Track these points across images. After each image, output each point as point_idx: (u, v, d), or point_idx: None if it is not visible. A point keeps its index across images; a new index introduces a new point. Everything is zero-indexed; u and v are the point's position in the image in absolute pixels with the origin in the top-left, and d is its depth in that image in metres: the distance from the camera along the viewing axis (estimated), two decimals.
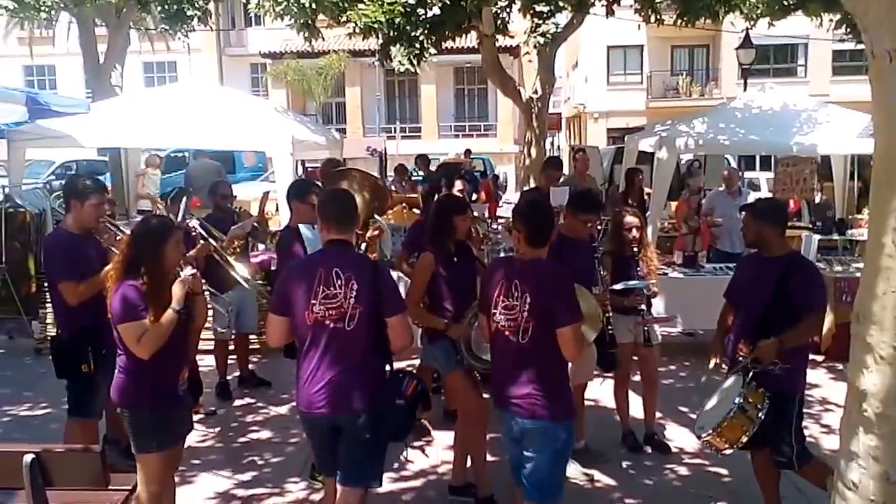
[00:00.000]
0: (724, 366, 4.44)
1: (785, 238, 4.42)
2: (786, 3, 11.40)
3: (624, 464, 5.28)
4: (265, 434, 5.93)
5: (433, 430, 5.74)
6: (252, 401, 6.64)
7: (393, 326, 3.50)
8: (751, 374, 4.06)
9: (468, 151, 23.56)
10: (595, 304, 4.19)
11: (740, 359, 4.22)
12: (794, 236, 9.03)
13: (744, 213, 4.50)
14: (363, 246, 5.06)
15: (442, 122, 33.12)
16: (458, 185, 6.07)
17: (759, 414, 3.99)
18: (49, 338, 6.27)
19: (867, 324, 2.44)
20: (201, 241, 5.79)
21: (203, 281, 4.04)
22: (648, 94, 32.02)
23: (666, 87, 32.13)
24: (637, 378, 5.65)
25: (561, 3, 10.91)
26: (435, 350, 4.65)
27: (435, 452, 5.49)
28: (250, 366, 7.16)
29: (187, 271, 3.79)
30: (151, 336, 3.59)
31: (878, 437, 2.41)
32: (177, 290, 3.69)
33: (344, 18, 10.33)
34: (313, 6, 9.84)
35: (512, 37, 13.56)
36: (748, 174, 16.88)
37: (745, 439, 4.04)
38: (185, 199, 6.40)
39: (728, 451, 4.13)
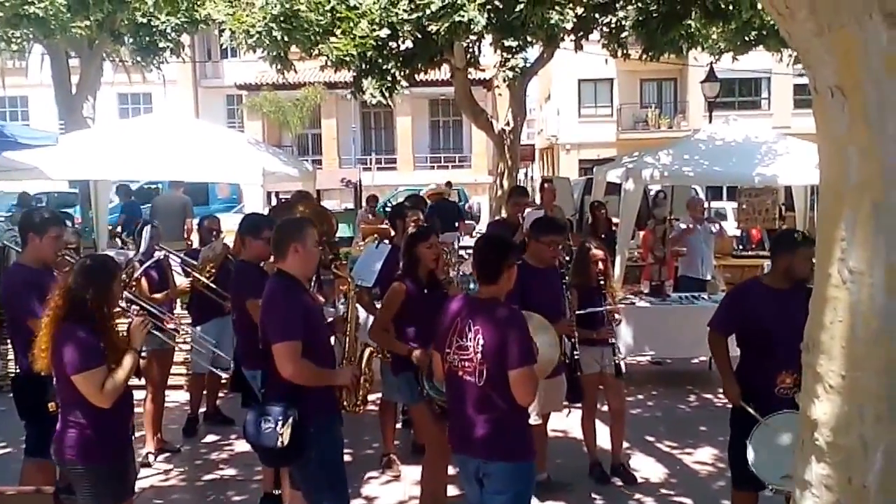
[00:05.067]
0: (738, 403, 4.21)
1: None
2: (747, 38, 11.68)
3: (592, 494, 5.29)
4: (230, 472, 5.85)
5: (401, 465, 5.71)
6: (217, 438, 6.56)
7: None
8: None
9: (449, 183, 23.72)
10: (554, 342, 4.09)
11: (784, 392, 4.04)
12: (758, 265, 9.18)
13: (803, 247, 4.15)
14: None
15: (417, 154, 33.30)
16: (413, 215, 6.08)
17: None
18: (11, 375, 6.15)
19: (816, 353, 2.49)
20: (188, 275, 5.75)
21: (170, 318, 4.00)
22: (619, 127, 32.47)
23: (635, 119, 32.59)
24: (605, 408, 5.68)
25: (530, 39, 11.06)
26: (399, 381, 4.64)
27: (403, 488, 5.46)
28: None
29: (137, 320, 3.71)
30: (115, 383, 3.45)
31: (829, 466, 2.44)
32: (136, 330, 3.63)
33: (316, 51, 10.44)
34: (286, 39, 9.93)
35: (483, 70, 13.72)
36: (715, 204, 17.13)
37: None
38: (147, 230, 6.30)
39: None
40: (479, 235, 4.60)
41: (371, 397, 5.76)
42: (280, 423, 3.54)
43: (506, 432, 3.44)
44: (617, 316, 5.48)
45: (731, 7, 9.62)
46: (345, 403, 4.06)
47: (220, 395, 7.24)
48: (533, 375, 3.43)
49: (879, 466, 2.36)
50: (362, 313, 6.28)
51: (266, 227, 4.91)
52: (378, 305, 5.30)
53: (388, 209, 14.25)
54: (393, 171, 32.04)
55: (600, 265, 5.38)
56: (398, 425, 6.18)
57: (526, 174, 34.59)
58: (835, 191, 2.48)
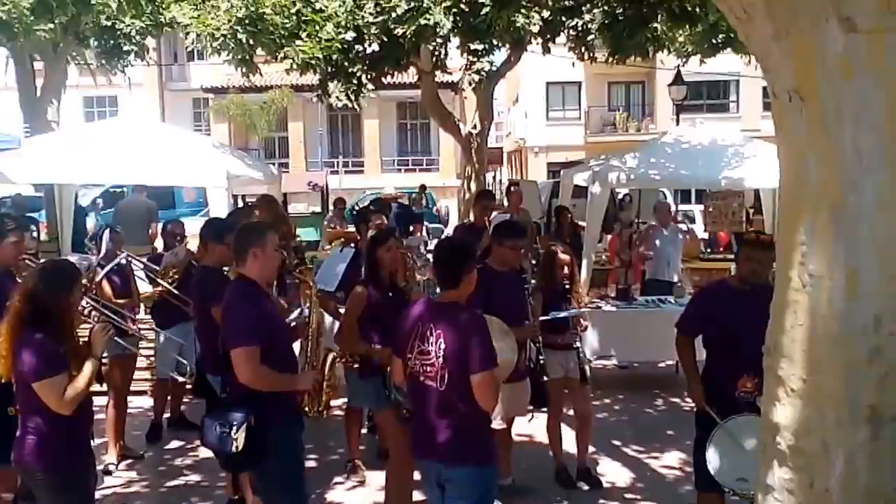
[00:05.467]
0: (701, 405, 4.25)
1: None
2: (714, 41, 11.78)
3: (558, 499, 5.28)
4: (194, 478, 5.78)
5: (366, 471, 5.66)
6: (182, 443, 6.47)
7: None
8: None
9: (423, 187, 23.76)
10: (512, 345, 4.07)
11: (744, 395, 4.05)
12: (726, 268, 9.24)
13: (761, 250, 4.23)
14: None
15: (385, 157, 33.24)
16: (376, 219, 6.05)
17: None
18: None
19: (778, 357, 2.49)
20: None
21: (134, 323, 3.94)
22: (587, 130, 32.65)
23: (603, 122, 32.80)
24: (571, 412, 5.67)
25: (496, 42, 11.07)
26: (367, 386, 4.61)
27: (367, 493, 5.41)
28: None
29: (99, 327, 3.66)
30: (76, 390, 3.41)
31: (791, 471, 2.45)
32: (97, 336, 3.57)
33: (281, 55, 10.36)
34: (251, 42, 9.85)
35: (450, 73, 13.75)
36: (684, 207, 17.27)
37: None
38: (107, 235, 6.20)
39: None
40: (439, 240, 4.54)
41: (337, 402, 5.76)
42: (235, 428, 3.50)
43: (468, 437, 3.43)
44: (583, 322, 5.47)
45: (697, 10, 9.70)
46: (307, 409, 4.01)
47: (186, 400, 7.13)
48: (495, 379, 3.41)
49: (840, 470, 2.37)
50: (329, 318, 6.25)
51: (228, 232, 4.82)
52: (342, 310, 5.26)
53: (354, 213, 14.19)
54: (360, 175, 31.95)
55: (566, 269, 5.37)
56: (364, 431, 6.13)
57: (494, 177, 34.68)
58: (794, 195, 2.49)
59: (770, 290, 3.95)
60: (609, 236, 10.78)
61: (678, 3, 9.35)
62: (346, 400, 5.57)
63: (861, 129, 2.32)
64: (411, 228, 11.28)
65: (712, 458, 3.98)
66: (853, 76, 2.31)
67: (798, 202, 2.46)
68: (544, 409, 5.55)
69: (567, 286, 5.38)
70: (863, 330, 2.34)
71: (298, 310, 4.47)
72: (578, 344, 5.30)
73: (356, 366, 4.83)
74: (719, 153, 9.66)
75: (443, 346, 3.39)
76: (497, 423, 4.84)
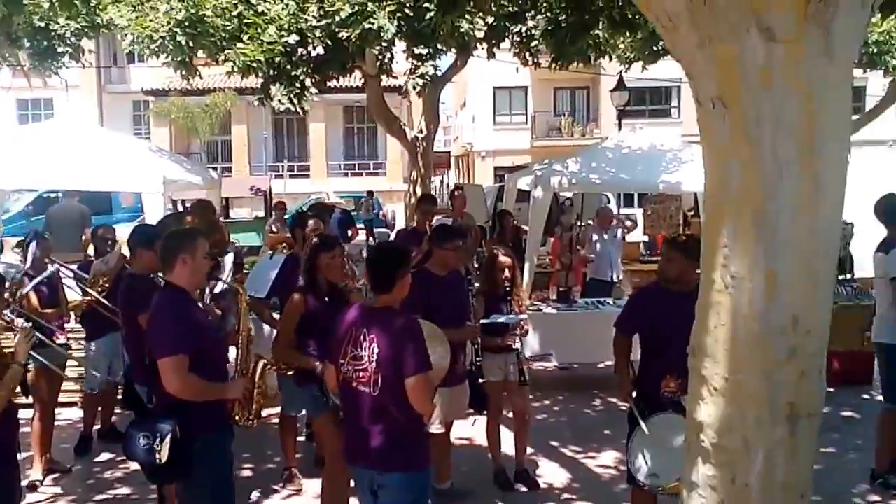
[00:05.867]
0: (629, 402, 4.35)
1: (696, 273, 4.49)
2: (655, 48, 11.99)
3: (496, 501, 5.31)
4: (124, 491, 5.62)
5: (303, 479, 5.61)
6: (112, 456, 6.28)
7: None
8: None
9: (370, 193, 23.71)
10: (444, 348, 4.05)
11: (667, 395, 4.13)
12: None
13: (671, 250, 4.42)
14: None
15: (331, 161, 33.07)
16: (311, 224, 6.01)
17: None
18: None
19: (702, 357, 2.56)
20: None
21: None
22: (533, 134, 32.94)
23: (549, 127, 33.12)
24: (511, 415, 5.71)
25: (441, 46, 11.12)
26: (303, 393, 4.58)
27: (304, 502, 5.37)
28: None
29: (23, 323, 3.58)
30: None
31: (714, 467, 2.51)
32: (19, 343, 3.49)
33: (222, 57, 10.24)
34: (191, 44, 9.72)
35: (396, 77, 13.76)
36: (626, 210, 17.56)
37: None
38: (34, 243, 5.98)
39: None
40: (372, 245, 4.52)
41: (275, 410, 5.70)
42: (159, 439, 3.45)
43: (401, 442, 3.43)
44: (525, 326, 5.51)
45: (637, 17, 9.87)
46: (237, 418, 3.97)
47: (118, 411, 6.99)
48: (429, 382, 3.43)
49: (760, 466, 2.45)
50: (265, 325, 6.19)
51: (157, 239, 4.75)
52: (277, 317, 5.23)
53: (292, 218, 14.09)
54: (306, 179, 31.72)
55: (507, 272, 5.41)
56: (301, 438, 6.08)
57: (442, 181, 34.72)
58: (718, 200, 2.56)
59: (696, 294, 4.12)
60: (552, 239, 10.90)
61: (618, 11, 9.49)
62: (280, 409, 5.53)
63: (780, 136, 2.40)
64: (349, 233, 11.26)
65: (631, 455, 4.12)
66: (773, 85, 2.39)
67: (721, 206, 2.54)
68: (486, 412, 5.59)
69: (508, 289, 5.42)
70: (781, 330, 2.43)
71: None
72: (517, 346, 5.34)
73: (290, 373, 4.79)
74: (658, 158, 9.82)
75: (376, 350, 3.38)
76: (435, 428, 4.86)
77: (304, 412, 5.39)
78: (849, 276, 9.13)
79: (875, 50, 11.73)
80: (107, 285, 5.96)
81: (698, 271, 2.75)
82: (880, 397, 5.82)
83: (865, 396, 7.35)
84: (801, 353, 2.44)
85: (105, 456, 6.31)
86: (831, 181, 2.44)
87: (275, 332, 5.32)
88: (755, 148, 2.42)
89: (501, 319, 5.23)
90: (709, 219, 2.63)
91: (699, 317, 2.60)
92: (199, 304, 4.10)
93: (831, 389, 7.14)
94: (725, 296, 2.47)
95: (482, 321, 5.17)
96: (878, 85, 15.96)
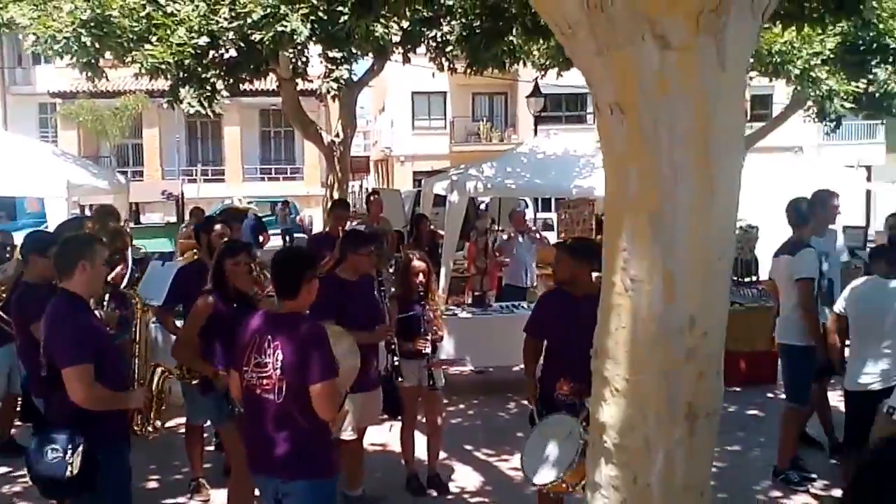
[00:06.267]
0: (534, 404, 4.46)
1: (593, 277, 4.61)
2: (563, 59, 12.20)
3: None
4: None
5: (210, 489, 5.47)
6: (9, 469, 6.01)
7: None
8: (586, 413, 4.05)
9: (286, 202, 23.42)
10: (354, 352, 4.02)
11: (561, 398, 4.24)
12: None
13: (558, 252, 4.63)
14: None
15: (247, 165, 32.50)
16: (218, 229, 5.88)
17: None
18: None
19: (604, 358, 2.59)
20: None
21: None
22: (451, 139, 33.10)
23: (468, 132, 33.35)
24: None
25: (356, 50, 11.06)
26: (208, 401, 4.47)
27: None
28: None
29: None
30: None
31: (616, 467, 2.55)
32: None
33: (130, 59, 9.96)
34: (96, 45, 9.40)
35: (311, 81, 13.62)
36: (543, 215, 17.80)
37: (581, 485, 4.02)
38: None
39: (564, 495, 4.11)
40: (277, 250, 4.42)
41: (184, 420, 5.54)
42: (70, 450, 3.32)
43: (306, 450, 3.38)
44: (439, 332, 5.51)
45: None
46: (136, 428, 3.84)
47: (17, 423, 6.68)
48: (335, 389, 3.38)
49: (661, 465, 2.49)
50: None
51: (52, 245, 4.57)
52: (179, 324, 5.09)
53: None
54: (221, 184, 31.11)
55: (421, 276, 5.41)
56: (210, 448, 5.94)
57: (361, 186, 34.58)
58: (617, 204, 2.61)
59: (595, 300, 4.22)
60: (468, 244, 10.97)
61: (531, 18, 9.61)
62: (186, 418, 5.39)
63: (675, 141, 2.45)
64: (261, 239, 11.09)
65: (524, 454, 4.22)
66: (668, 92, 2.45)
67: (620, 210, 2.58)
68: (401, 418, 5.57)
69: (422, 293, 5.41)
70: (679, 331, 2.48)
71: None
72: (427, 350, 5.33)
73: (194, 381, 4.68)
74: (572, 163, 10.01)
75: (280, 357, 3.32)
76: (348, 434, 4.81)
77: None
78: (754, 278, 9.43)
79: (779, 59, 12.19)
80: (3, 295, 5.70)
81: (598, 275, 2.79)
82: (783, 396, 6.02)
83: (770, 395, 7.60)
84: (698, 354, 2.49)
85: (2, 469, 6.03)
86: (725, 186, 2.51)
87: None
88: (652, 153, 2.47)
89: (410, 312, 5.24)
90: (608, 223, 2.68)
91: (601, 319, 2.64)
92: (97, 312, 3.96)
93: (737, 389, 7.43)
94: (625, 298, 2.51)
95: (399, 316, 5.17)
96: (784, 93, 16.61)
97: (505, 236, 9.56)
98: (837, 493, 5.30)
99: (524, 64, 12.47)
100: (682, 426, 2.50)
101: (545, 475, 3.99)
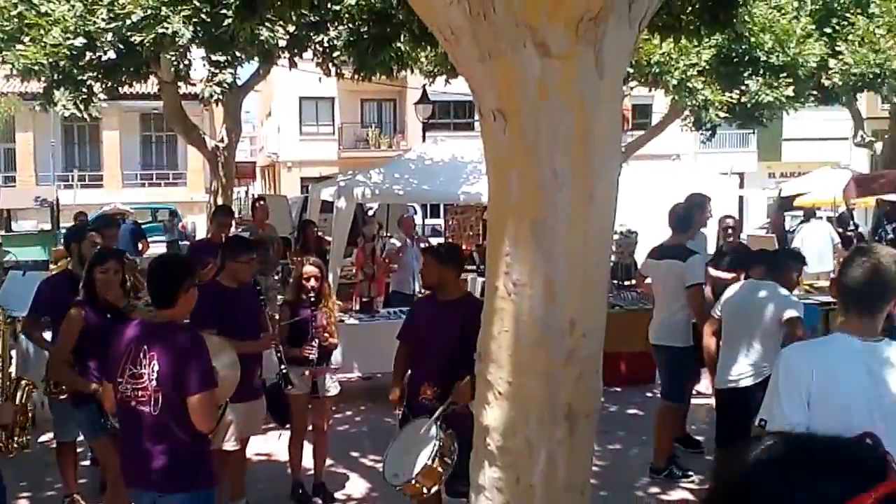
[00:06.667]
0: (401, 409, 4.50)
1: (461, 281, 4.67)
2: (450, 66, 12.30)
3: None
4: None
5: None
6: None
7: None
8: (441, 417, 4.10)
9: (174, 213, 22.66)
10: (233, 361, 3.95)
11: (425, 402, 4.27)
12: (464, 280, 9.65)
13: (424, 256, 4.67)
14: None
15: (126, 170, 31.27)
16: (90, 236, 5.64)
17: (454, 457, 4.02)
18: None
19: (487, 362, 2.61)
20: None
21: None
22: (340, 145, 32.89)
23: (357, 138, 33.22)
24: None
25: (240, 54, 10.82)
26: (79, 415, 4.27)
27: None
28: None
29: None
30: None
31: (500, 469, 2.57)
32: None
33: (0, 59, 9.47)
34: None
35: (194, 84, 13.25)
36: (431, 221, 17.91)
37: (439, 485, 4.07)
38: None
39: (421, 497, 4.13)
40: (153, 258, 4.26)
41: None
42: None
43: (184, 462, 3.28)
44: (331, 339, 5.43)
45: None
46: (1, 446, 3.62)
47: None
48: (213, 400, 3.30)
49: (542, 466, 2.54)
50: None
51: None
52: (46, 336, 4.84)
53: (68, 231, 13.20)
54: (99, 189, 29.80)
55: (313, 282, 5.33)
56: (86, 463, 5.67)
57: (247, 192, 33.81)
58: (499, 209, 2.64)
59: (463, 303, 4.31)
60: (356, 250, 10.91)
61: (419, 24, 9.66)
62: (54, 434, 5.15)
63: (556, 148, 2.50)
64: (140, 246, 10.69)
65: (385, 458, 4.31)
66: (549, 98, 2.50)
67: (503, 216, 2.61)
68: (288, 427, 5.47)
69: (313, 298, 5.32)
70: (560, 333, 2.53)
71: None
72: (314, 357, 5.25)
73: (63, 396, 4.45)
74: (459, 169, 10.10)
75: (157, 368, 3.20)
76: (230, 445, 4.69)
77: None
78: (634, 281, 9.75)
79: (657, 70, 12.68)
80: None
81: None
82: None
83: (649, 395, 7.87)
84: (578, 355, 2.55)
85: None
86: (604, 192, 2.58)
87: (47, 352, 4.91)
88: (533, 159, 2.51)
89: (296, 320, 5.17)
90: (491, 228, 2.71)
91: (484, 323, 2.66)
92: None
93: (618, 389, 7.66)
94: (508, 302, 2.54)
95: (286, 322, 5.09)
96: (662, 103, 17.26)
97: (397, 243, 9.54)
98: None
99: (412, 71, 12.52)
100: (563, 427, 2.55)
101: (400, 477, 4.07)
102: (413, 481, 3.98)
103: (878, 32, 13.72)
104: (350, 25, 10.68)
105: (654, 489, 5.76)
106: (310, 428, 5.57)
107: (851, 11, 14.25)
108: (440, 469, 4.00)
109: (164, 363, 3.19)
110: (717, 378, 5.27)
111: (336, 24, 10.96)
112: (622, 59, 2.63)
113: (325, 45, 11.47)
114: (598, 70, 2.49)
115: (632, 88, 14.46)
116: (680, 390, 6.00)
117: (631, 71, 11.94)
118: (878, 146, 18.30)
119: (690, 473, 5.91)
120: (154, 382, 3.20)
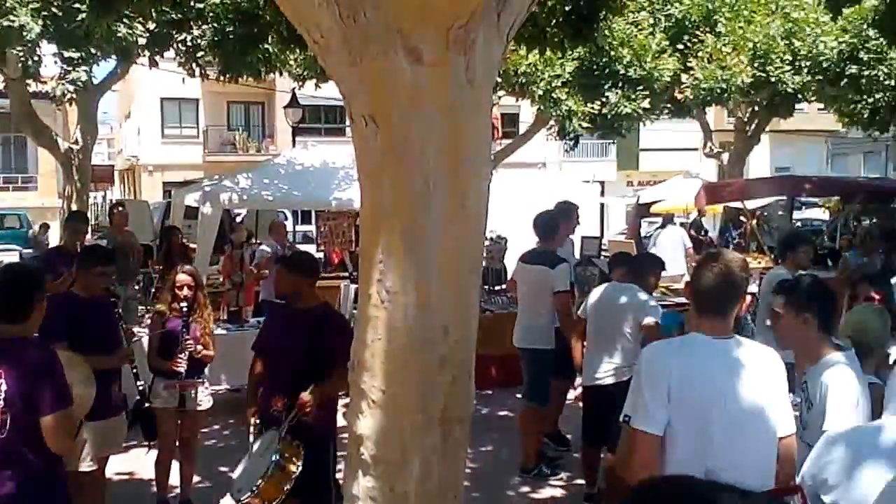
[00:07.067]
0: (256, 421, 4.40)
1: (316, 289, 4.60)
2: (321, 70, 12.19)
3: None
4: None
5: None
6: None
7: None
8: (286, 427, 4.08)
9: (46, 226, 21.26)
10: (87, 377, 3.75)
11: (275, 414, 4.20)
12: (336, 286, 9.57)
13: (277, 265, 4.60)
14: None
15: None
16: None
17: (297, 467, 4.00)
18: None
19: (361, 371, 2.57)
20: None
21: None
22: (205, 149, 31.90)
23: (223, 141, 32.31)
24: None
25: (95, 51, 10.31)
26: None
27: None
28: None
29: None
30: None
31: (374, 479, 2.54)
32: None
33: None
34: None
35: (45, 82, 12.53)
36: (303, 227, 17.66)
37: (283, 497, 4.02)
38: None
39: None
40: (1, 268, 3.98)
41: None
42: None
43: (36, 486, 3.06)
44: (205, 352, 5.23)
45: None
46: None
47: None
48: (69, 419, 3.11)
49: (417, 473, 2.52)
50: None
51: None
52: None
53: None
54: None
55: (186, 290, 5.12)
56: None
57: (104, 197, 32.24)
58: (372, 216, 2.61)
59: (317, 313, 4.29)
60: (223, 257, 10.60)
61: (287, 26, 9.50)
62: None
63: (428, 155, 2.50)
64: None
65: (235, 472, 4.32)
66: (421, 106, 2.49)
67: (375, 222, 2.59)
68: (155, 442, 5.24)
69: (185, 308, 5.10)
70: (433, 340, 2.53)
71: None
72: (182, 369, 5.05)
73: None
74: (331, 175, 10.03)
75: (4, 388, 2.97)
76: (87, 465, 4.42)
77: None
78: (504, 286, 9.95)
79: (524, 80, 13.01)
80: None
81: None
82: None
83: (519, 396, 8.01)
84: (451, 361, 2.56)
85: None
86: (475, 199, 2.60)
87: None
88: (405, 166, 2.50)
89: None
90: (364, 235, 2.68)
91: (358, 332, 2.62)
92: None
93: (489, 392, 7.77)
94: (381, 310, 2.52)
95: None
96: (529, 112, 17.72)
97: (268, 250, 9.30)
98: (580, 481, 5.70)
99: (281, 73, 12.31)
100: (437, 433, 2.55)
101: (242, 491, 4.04)
102: (254, 495, 3.94)
103: (724, 50, 14.63)
104: (215, 25, 10.38)
105: (525, 488, 5.87)
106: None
107: (701, 29, 15.14)
108: (280, 482, 3.97)
109: (13, 382, 2.97)
110: (583, 376, 5.45)
111: (200, 22, 10.63)
112: (492, 68, 2.66)
113: (189, 44, 11.10)
114: (469, 78, 2.51)
115: (500, 97, 14.77)
116: (543, 391, 6.15)
117: (499, 80, 12.20)
118: (725, 157, 19.49)
119: (559, 471, 6.07)
120: (1, 403, 2.97)
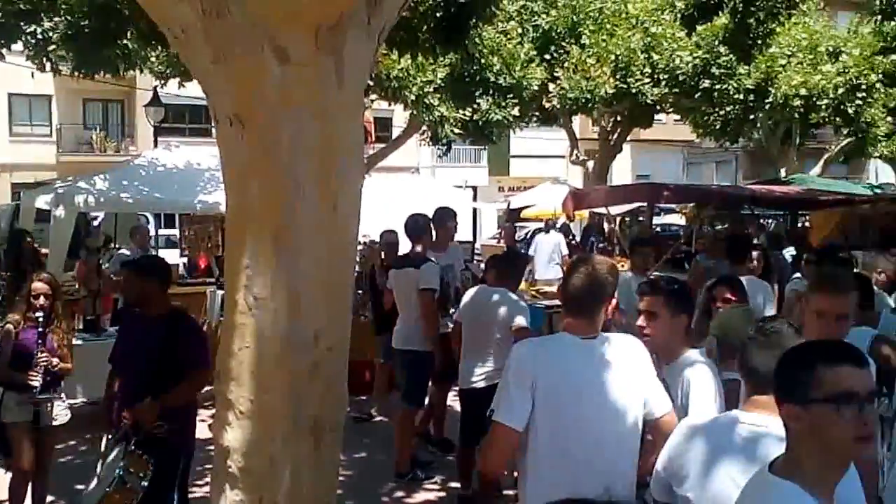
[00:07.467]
0: (109, 436, 4.23)
1: (167, 295, 4.40)
2: (184, 68, 11.79)
3: None
4: None
5: None
6: None
7: None
8: (133, 441, 3.91)
9: None
10: None
11: (125, 426, 4.04)
12: (202, 291, 9.24)
13: (124, 270, 4.40)
14: None
15: None
16: None
17: (143, 482, 3.84)
18: None
19: (227, 381, 2.48)
20: None
21: None
22: (59, 148, 30.22)
23: (79, 141, 30.69)
24: None
25: None
26: None
27: None
28: None
29: None
30: None
31: (242, 492, 2.45)
32: None
33: None
34: None
35: None
36: (166, 231, 16.98)
37: None
38: None
39: None
40: None
41: None
42: None
43: None
44: (63, 365, 4.91)
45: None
46: None
47: None
48: None
49: (287, 483, 2.45)
50: None
51: None
52: None
53: None
54: None
55: (42, 300, 4.79)
56: None
57: None
58: (239, 219, 2.52)
59: (167, 320, 4.14)
60: (78, 263, 10.03)
61: (147, 22, 9.10)
62: None
63: (298, 156, 2.43)
64: None
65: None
66: (289, 105, 2.42)
67: (242, 226, 2.49)
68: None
69: (41, 318, 4.76)
70: (304, 347, 2.46)
71: None
72: (36, 383, 4.72)
73: None
74: (195, 176, 9.70)
75: None
76: None
77: None
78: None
79: (396, 85, 13.00)
80: None
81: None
82: None
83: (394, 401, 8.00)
84: (323, 369, 2.50)
85: None
86: (347, 202, 2.55)
87: None
88: (274, 168, 2.43)
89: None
90: (230, 239, 2.58)
91: (223, 340, 2.52)
92: None
93: (363, 397, 7.71)
94: (249, 317, 2.43)
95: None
96: (402, 117, 17.73)
97: (129, 254, 8.87)
98: (455, 484, 5.73)
99: (142, 70, 11.79)
100: (308, 441, 2.49)
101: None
102: None
103: (589, 62, 15.17)
104: (68, 17, 9.82)
105: (399, 493, 5.85)
106: None
107: (567, 41, 15.64)
108: (122, 497, 3.83)
109: None
110: (459, 379, 5.49)
111: (51, 14, 10.03)
112: (363, 70, 2.62)
113: (39, 36, 10.44)
114: (339, 79, 2.47)
115: (373, 101, 14.72)
116: (419, 394, 6.17)
117: (371, 84, 12.15)
118: (591, 164, 20.20)
119: (434, 475, 6.08)
120: None
